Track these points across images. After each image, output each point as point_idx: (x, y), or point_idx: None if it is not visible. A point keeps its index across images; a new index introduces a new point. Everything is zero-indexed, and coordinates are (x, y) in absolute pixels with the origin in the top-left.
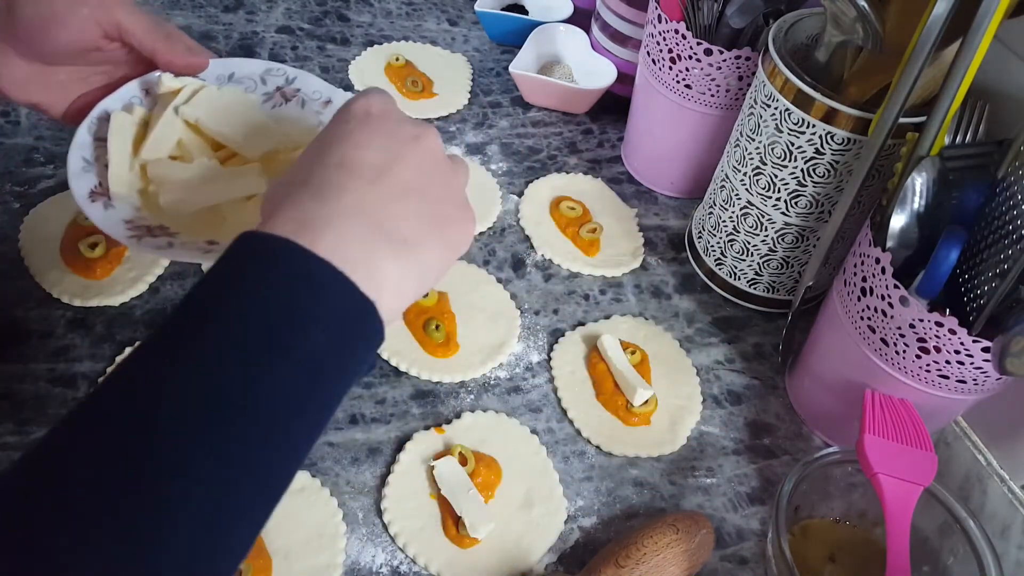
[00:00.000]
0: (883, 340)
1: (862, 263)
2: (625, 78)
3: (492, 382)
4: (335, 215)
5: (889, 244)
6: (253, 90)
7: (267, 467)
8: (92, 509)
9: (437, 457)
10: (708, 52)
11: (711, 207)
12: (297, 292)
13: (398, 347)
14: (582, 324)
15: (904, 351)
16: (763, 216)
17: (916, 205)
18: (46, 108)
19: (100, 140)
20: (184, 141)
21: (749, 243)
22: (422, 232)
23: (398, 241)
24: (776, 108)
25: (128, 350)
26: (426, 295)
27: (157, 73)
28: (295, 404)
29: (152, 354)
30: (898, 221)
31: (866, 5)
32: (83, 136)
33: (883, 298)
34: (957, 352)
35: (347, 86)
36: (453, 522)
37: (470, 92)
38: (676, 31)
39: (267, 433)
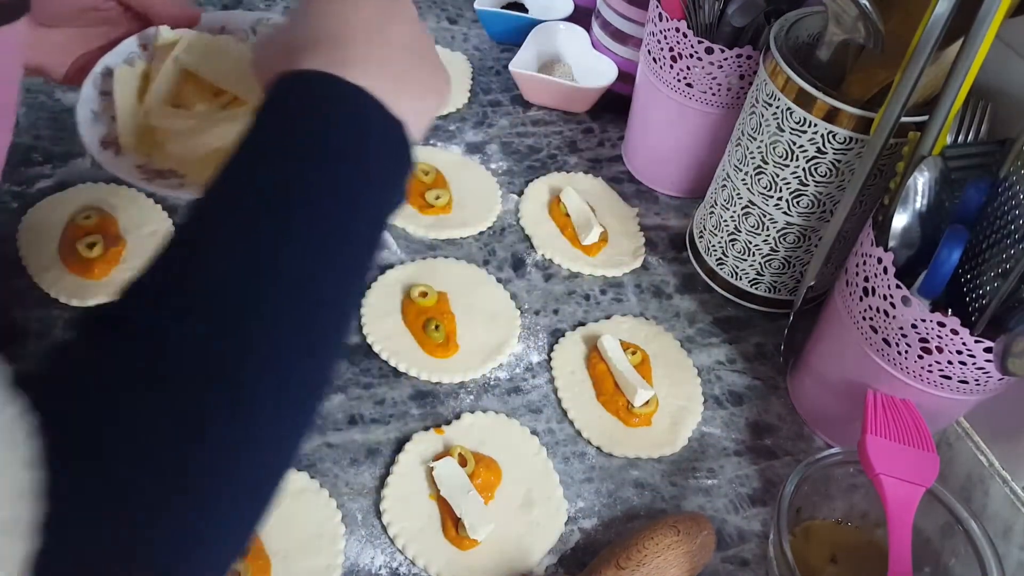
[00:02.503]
0: (885, 340)
1: (864, 263)
2: (626, 77)
3: (492, 382)
4: (356, 59)
5: (891, 244)
6: (245, 40)
7: (339, 251)
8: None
9: (437, 458)
10: (709, 51)
11: (712, 207)
12: (344, 112)
13: (397, 347)
14: (582, 324)
15: (906, 351)
16: (764, 216)
17: (918, 205)
18: (48, 71)
19: (104, 94)
20: (185, 89)
21: (750, 243)
22: (418, 78)
23: (403, 82)
24: (778, 107)
25: None
26: (426, 295)
27: (154, 28)
28: (352, 198)
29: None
30: (900, 221)
31: (868, 4)
32: (88, 91)
33: (885, 298)
34: (959, 352)
35: None
36: (453, 523)
37: (470, 91)
38: (677, 29)
39: (337, 222)
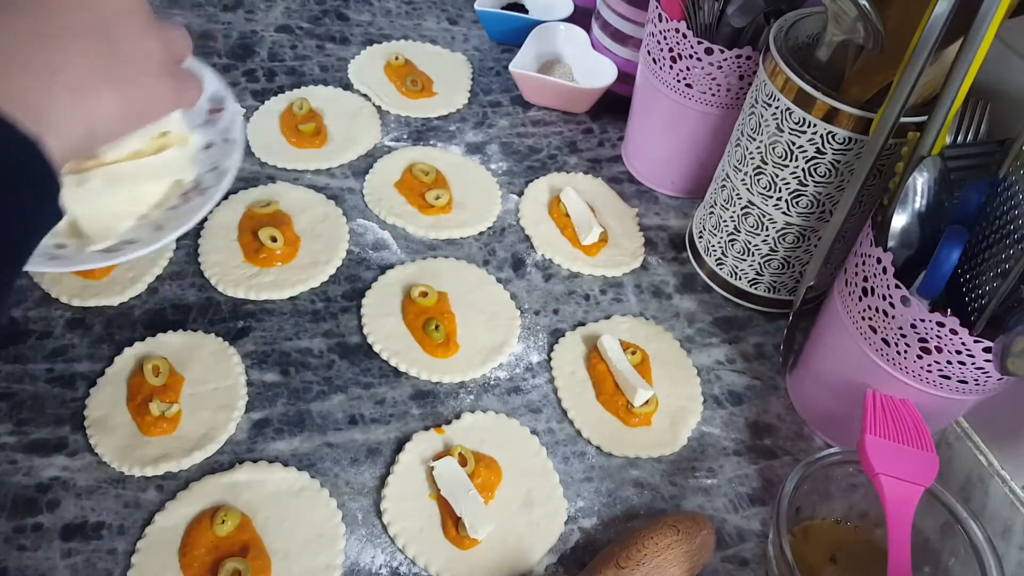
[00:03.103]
0: (884, 340)
1: (863, 263)
2: (626, 77)
3: (492, 382)
4: None
5: (890, 244)
6: None
7: None
8: None
9: (437, 458)
10: (709, 51)
11: (712, 207)
12: None
13: (397, 347)
14: (582, 324)
15: (905, 351)
16: (764, 216)
17: (917, 205)
18: None
19: None
20: None
21: (750, 243)
22: (92, 81)
23: (60, 84)
24: (777, 107)
25: (127, 351)
26: (426, 295)
27: None
28: None
29: None
30: (899, 221)
31: (867, 4)
32: None
33: (884, 298)
34: (958, 352)
35: (346, 85)
36: (453, 523)
37: (470, 91)
38: (677, 30)
39: None
